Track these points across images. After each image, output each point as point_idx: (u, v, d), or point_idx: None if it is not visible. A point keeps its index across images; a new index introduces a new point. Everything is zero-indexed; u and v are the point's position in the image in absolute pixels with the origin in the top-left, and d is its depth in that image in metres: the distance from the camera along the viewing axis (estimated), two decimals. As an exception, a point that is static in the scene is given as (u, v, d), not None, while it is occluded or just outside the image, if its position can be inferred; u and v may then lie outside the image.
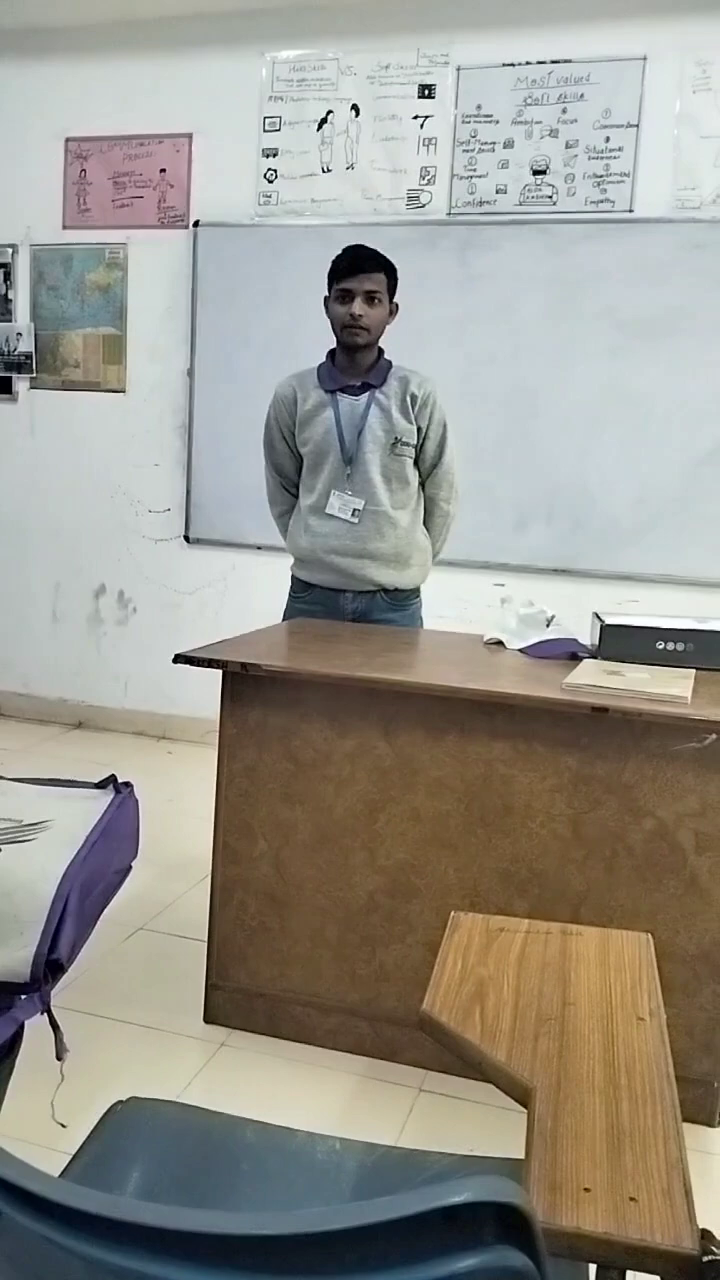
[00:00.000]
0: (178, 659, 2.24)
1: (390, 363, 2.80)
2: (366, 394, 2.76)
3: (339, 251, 2.71)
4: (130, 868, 1.26)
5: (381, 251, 2.71)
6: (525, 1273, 0.56)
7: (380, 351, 2.79)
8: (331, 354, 2.81)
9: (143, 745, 4.48)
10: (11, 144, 4.45)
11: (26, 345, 4.53)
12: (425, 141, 3.99)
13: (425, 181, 4.01)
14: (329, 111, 4.08)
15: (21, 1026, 1.07)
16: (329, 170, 4.10)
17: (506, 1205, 0.55)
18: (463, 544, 4.00)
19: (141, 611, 4.59)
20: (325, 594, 2.87)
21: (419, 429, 2.77)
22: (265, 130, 4.16)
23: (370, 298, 2.65)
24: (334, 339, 2.76)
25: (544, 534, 3.99)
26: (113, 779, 1.29)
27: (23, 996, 1.00)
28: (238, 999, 2.29)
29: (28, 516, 4.68)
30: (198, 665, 2.23)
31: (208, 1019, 2.32)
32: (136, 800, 1.27)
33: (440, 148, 3.98)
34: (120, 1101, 1.06)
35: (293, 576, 2.97)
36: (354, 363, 2.75)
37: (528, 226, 3.89)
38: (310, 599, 2.91)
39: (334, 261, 2.69)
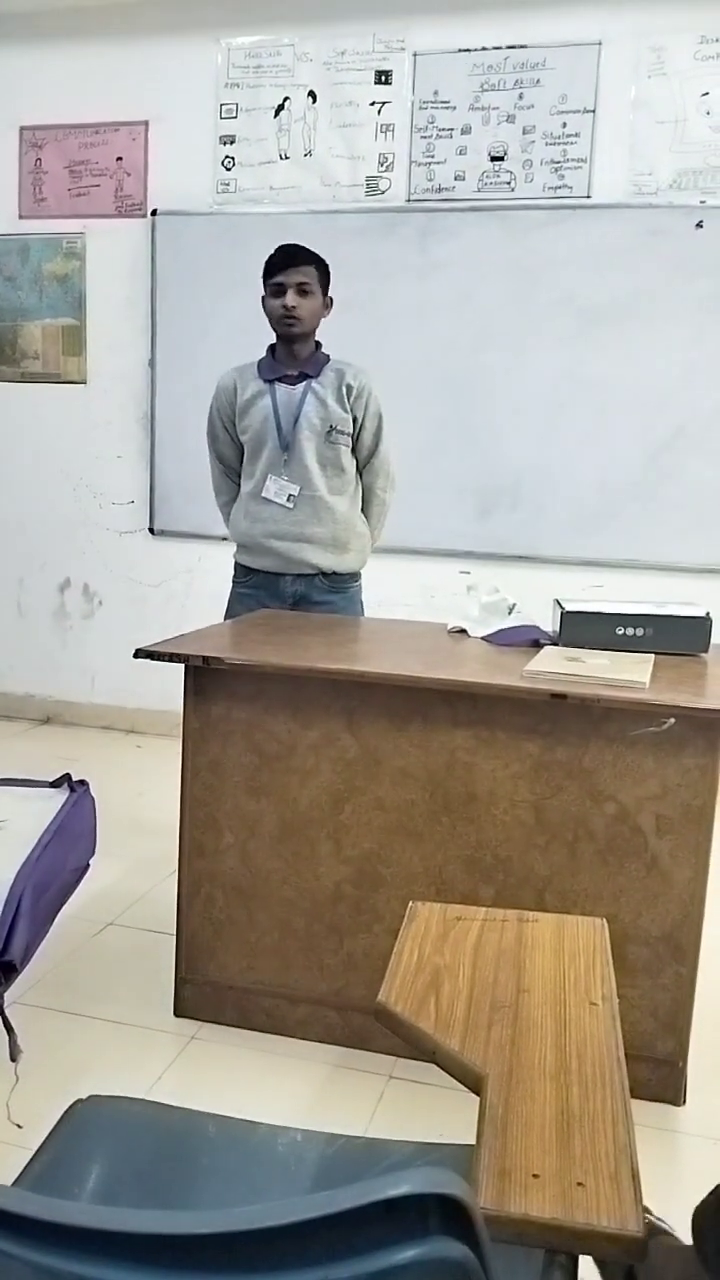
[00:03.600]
0: (139, 654, 2.23)
1: (327, 355, 2.93)
2: (303, 383, 2.87)
3: (274, 249, 2.82)
4: (88, 866, 1.26)
5: (313, 247, 2.83)
6: (465, 1263, 0.57)
7: (318, 344, 2.91)
8: (272, 348, 2.93)
9: (111, 739, 4.46)
10: (-36, 133, 4.39)
11: (-16, 337, 4.48)
12: (383, 128, 3.98)
13: (384, 168, 4.00)
14: (286, 98, 4.05)
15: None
16: (287, 157, 4.08)
17: (446, 1196, 0.56)
18: (427, 532, 4.02)
19: (107, 605, 4.57)
20: (266, 578, 2.98)
21: (355, 419, 2.89)
22: (222, 117, 4.12)
23: (302, 290, 2.78)
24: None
25: (508, 521, 4.01)
26: (67, 777, 1.28)
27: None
28: (207, 992, 2.30)
29: (-10, 511, 4.64)
30: (160, 660, 2.22)
31: (178, 1012, 2.32)
32: (93, 798, 1.26)
33: (398, 134, 3.96)
34: (80, 1100, 1.06)
35: (235, 563, 3.08)
36: (292, 354, 2.88)
37: (486, 213, 3.89)
38: (252, 584, 3.02)
39: (267, 259, 2.81)
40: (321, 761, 2.15)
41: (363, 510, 3.02)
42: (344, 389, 2.85)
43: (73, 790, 1.24)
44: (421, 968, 1.00)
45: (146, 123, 4.20)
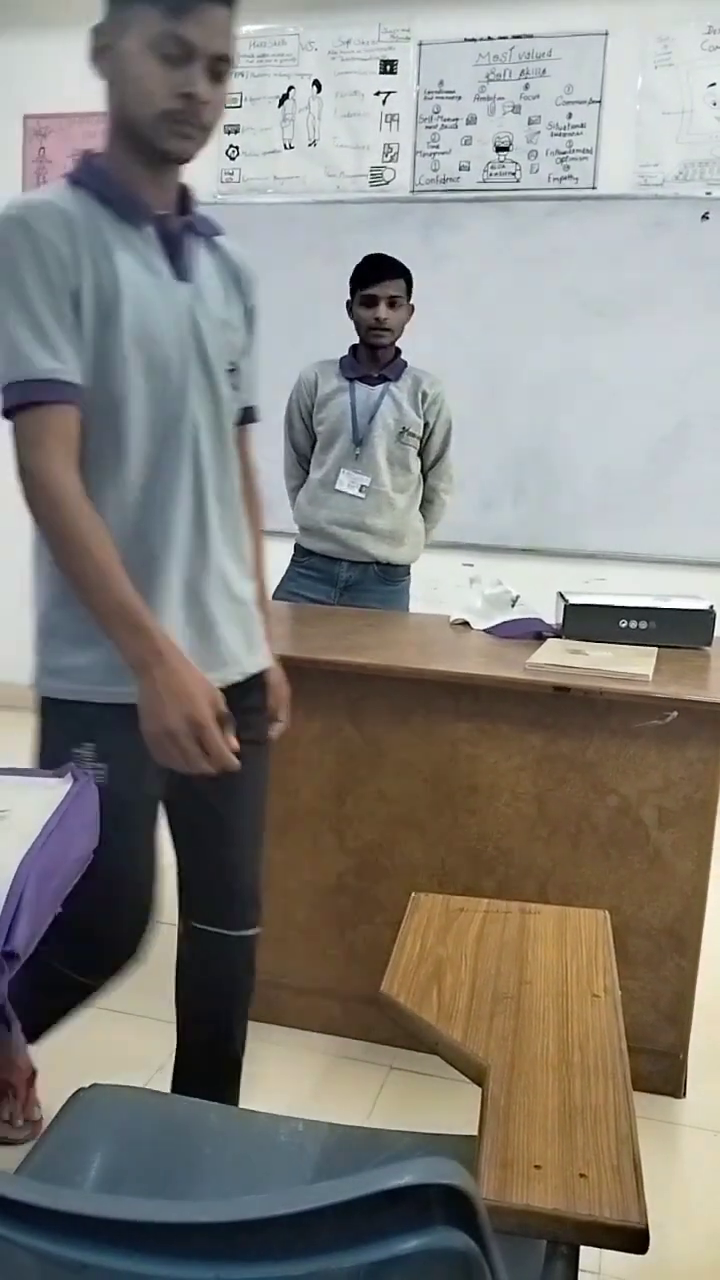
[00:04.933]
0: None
1: (405, 362, 3.06)
2: (382, 385, 3.01)
3: (363, 260, 2.93)
4: (91, 856, 1.26)
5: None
6: (468, 1253, 0.57)
7: (398, 351, 3.05)
8: (354, 348, 3.06)
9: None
10: (-32, 122, 4.38)
11: (-12, 327, 4.47)
12: (388, 118, 3.96)
13: (388, 158, 3.98)
14: (290, 87, 4.03)
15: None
16: (291, 147, 4.06)
17: (450, 1187, 0.56)
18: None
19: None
20: (323, 561, 3.12)
21: (426, 424, 3.05)
22: (226, 106, 4.09)
23: (392, 302, 2.90)
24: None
25: (511, 513, 4.00)
26: (70, 767, 1.28)
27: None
28: (209, 982, 2.30)
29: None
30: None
31: (180, 1002, 2.32)
32: (96, 788, 1.26)
33: (403, 124, 3.95)
34: (82, 1088, 1.07)
35: (295, 544, 3.21)
36: (374, 358, 3.02)
37: (491, 204, 3.88)
38: (308, 565, 3.16)
39: (356, 269, 2.94)
40: (324, 753, 2.15)
41: (423, 509, 3.19)
42: (420, 395, 3.02)
43: (76, 780, 1.24)
44: (424, 959, 1.00)
45: (150, 112, 4.17)
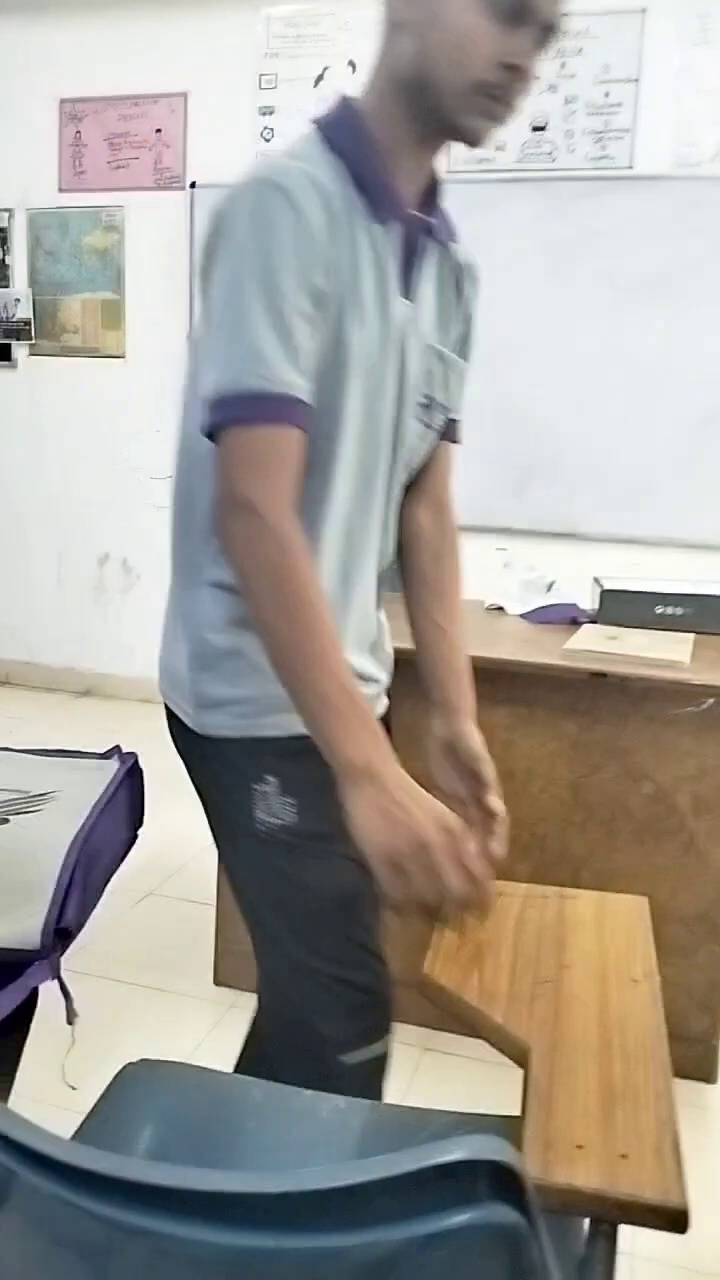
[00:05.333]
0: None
1: None
2: None
3: None
4: (136, 837, 1.29)
5: None
6: (516, 1228, 0.59)
7: None
8: None
9: (150, 712, 4.46)
10: (6, 106, 4.40)
11: (25, 311, 4.51)
12: (423, 98, 3.93)
13: (424, 140, 3.95)
14: (326, 68, 4.01)
15: (35, 993, 1.10)
16: (326, 129, 4.04)
17: (498, 1163, 0.58)
18: (463, 507, 4.01)
19: (146, 579, 4.60)
20: None
21: None
22: (261, 88, 4.10)
23: None
24: None
25: (545, 497, 3.99)
26: (117, 749, 1.31)
27: (34, 964, 1.03)
28: (247, 962, 2.33)
29: (29, 485, 4.68)
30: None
31: (217, 981, 2.36)
32: (141, 770, 1.29)
33: (438, 105, 3.91)
34: (130, 1063, 1.09)
35: None
36: None
37: (527, 184, 3.85)
38: None
39: None
40: (360, 737, 2.17)
41: None
42: None
43: (123, 762, 1.27)
44: (464, 942, 1.02)
45: (185, 94, 4.18)
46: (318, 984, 1.15)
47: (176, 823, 3.24)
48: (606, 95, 3.74)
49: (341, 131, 1.12)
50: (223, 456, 1.02)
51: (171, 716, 1.24)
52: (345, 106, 1.14)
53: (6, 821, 1.13)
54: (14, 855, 1.09)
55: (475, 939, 1.03)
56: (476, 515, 4.07)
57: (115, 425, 4.52)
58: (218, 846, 1.26)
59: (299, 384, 1.03)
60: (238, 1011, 2.28)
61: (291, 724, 1.09)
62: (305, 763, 1.09)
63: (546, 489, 3.98)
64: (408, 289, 1.18)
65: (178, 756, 1.27)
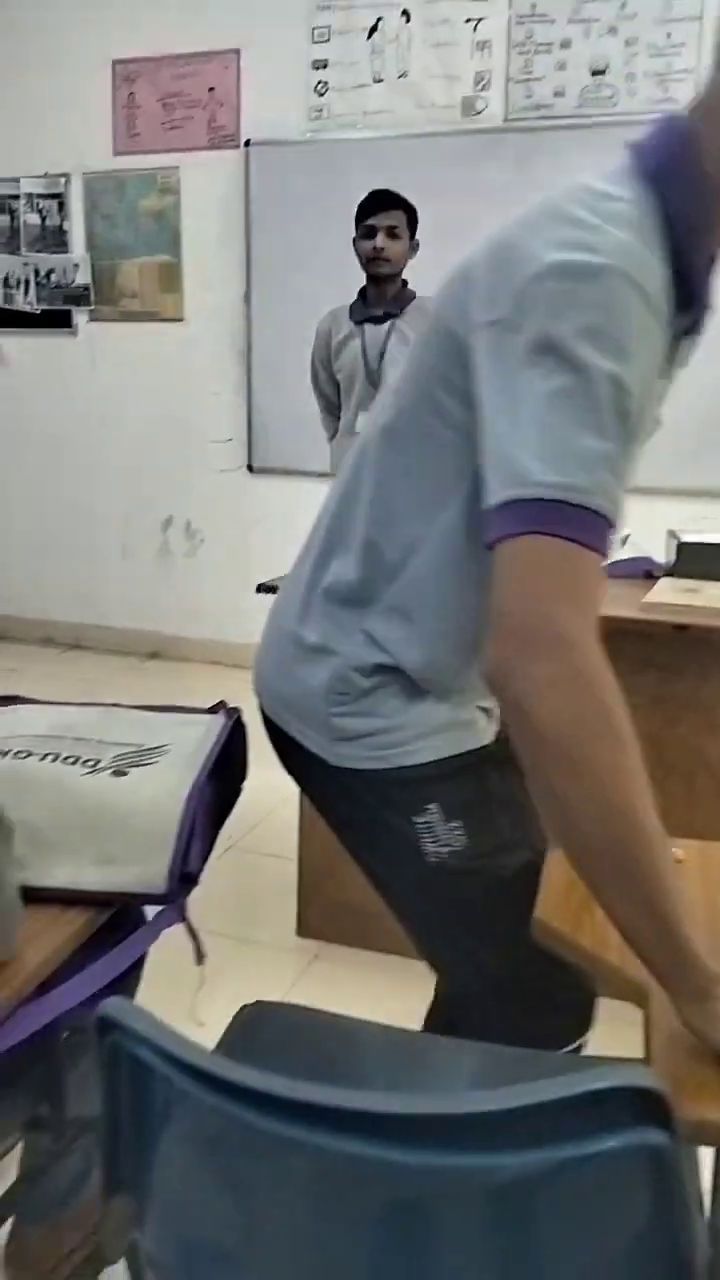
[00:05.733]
0: (261, 589, 2.29)
1: (414, 293, 3.10)
2: (388, 322, 3.09)
3: (383, 179, 3.07)
4: (241, 789, 1.33)
5: (407, 171, 3.15)
6: (664, 1150, 0.62)
7: (404, 283, 3.10)
8: (363, 291, 3.14)
9: (216, 673, 4.58)
10: (60, 70, 4.40)
11: (84, 277, 4.54)
12: (479, 45, 3.86)
13: (480, 87, 3.89)
14: (379, 19, 3.95)
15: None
16: (381, 80, 4.00)
17: (647, 1089, 0.61)
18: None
19: (209, 542, 4.65)
20: None
21: None
22: (314, 41, 4.05)
23: (391, 233, 2.99)
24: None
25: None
26: (222, 704, 1.35)
27: (160, 908, 1.09)
28: (329, 913, 2.39)
29: (93, 451, 4.74)
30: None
31: (300, 933, 2.43)
32: (244, 725, 1.33)
33: (495, 51, 3.85)
34: (248, 1004, 1.14)
35: None
36: (380, 295, 3.09)
37: (587, 130, 3.77)
38: None
39: (359, 204, 3.02)
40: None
41: None
42: None
43: (229, 716, 1.31)
44: (572, 888, 1.04)
45: (238, 51, 4.14)
46: (531, 990, 1.13)
47: (254, 777, 3.30)
48: (669, 36, 3.64)
49: (675, 186, 0.92)
50: (530, 570, 0.85)
51: (290, 743, 1.18)
52: (679, 140, 0.94)
53: (125, 774, 1.17)
54: (136, 805, 1.13)
55: (582, 885, 1.06)
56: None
57: (175, 389, 4.55)
58: (376, 881, 1.21)
59: (618, 510, 0.89)
60: (320, 963, 2.35)
61: (440, 746, 1.09)
62: (461, 782, 1.10)
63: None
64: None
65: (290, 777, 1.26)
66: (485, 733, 1.16)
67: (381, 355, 3.08)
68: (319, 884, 2.39)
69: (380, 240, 2.98)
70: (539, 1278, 0.66)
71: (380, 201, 2.99)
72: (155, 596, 4.79)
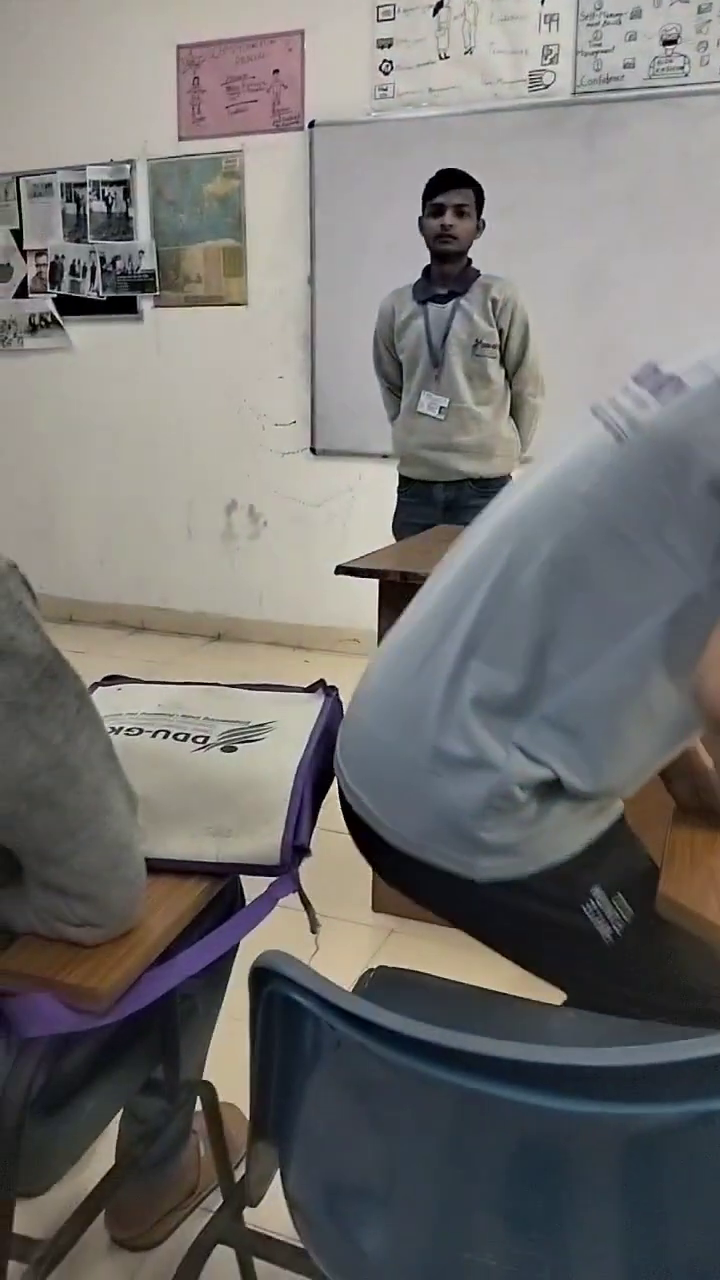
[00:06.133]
0: (339, 570, 2.31)
1: (478, 272, 3.11)
2: (452, 302, 3.08)
3: (448, 157, 3.08)
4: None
5: (473, 148, 3.18)
6: None
7: (469, 261, 3.09)
8: (427, 270, 3.14)
9: (279, 655, 4.62)
10: (125, 58, 4.42)
11: (149, 264, 4.57)
12: (547, 19, 3.81)
13: (548, 61, 3.84)
14: (444, -6, 3.92)
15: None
16: (446, 57, 3.96)
17: None
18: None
19: (272, 525, 4.68)
20: (420, 487, 3.26)
21: (500, 330, 3.07)
22: (379, 20, 4.02)
23: (459, 211, 2.98)
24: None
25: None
26: (322, 683, 1.36)
27: (277, 878, 1.11)
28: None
29: (159, 436, 4.78)
30: (358, 576, 2.30)
31: (376, 908, 2.45)
32: (341, 704, 1.34)
33: (563, 24, 3.79)
34: (371, 969, 1.16)
35: (399, 475, 3.36)
36: (444, 274, 3.08)
37: (658, 101, 3.71)
38: (410, 493, 3.31)
39: (427, 183, 3.01)
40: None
41: (513, 415, 3.23)
42: (489, 303, 3.04)
43: (328, 695, 1.33)
44: (695, 866, 1.05)
45: (302, 32, 4.13)
46: (705, 1012, 1.10)
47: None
48: (744, 0, 3.56)
49: None
50: None
51: (414, 864, 1.14)
52: None
53: (234, 749, 1.19)
54: (248, 779, 1.16)
55: (706, 864, 1.06)
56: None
57: (238, 373, 4.57)
58: (553, 977, 1.17)
59: None
60: (398, 936, 2.36)
61: (589, 830, 1.06)
62: (614, 854, 1.07)
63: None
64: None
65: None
66: (620, 801, 1.13)
67: (445, 335, 3.07)
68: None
69: (449, 218, 2.97)
70: (665, 1225, 0.69)
71: (449, 180, 2.98)
72: (219, 579, 4.84)
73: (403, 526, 3.26)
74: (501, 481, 3.20)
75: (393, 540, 3.22)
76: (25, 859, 0.96)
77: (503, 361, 3.11)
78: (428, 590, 1.16)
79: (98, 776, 0.94)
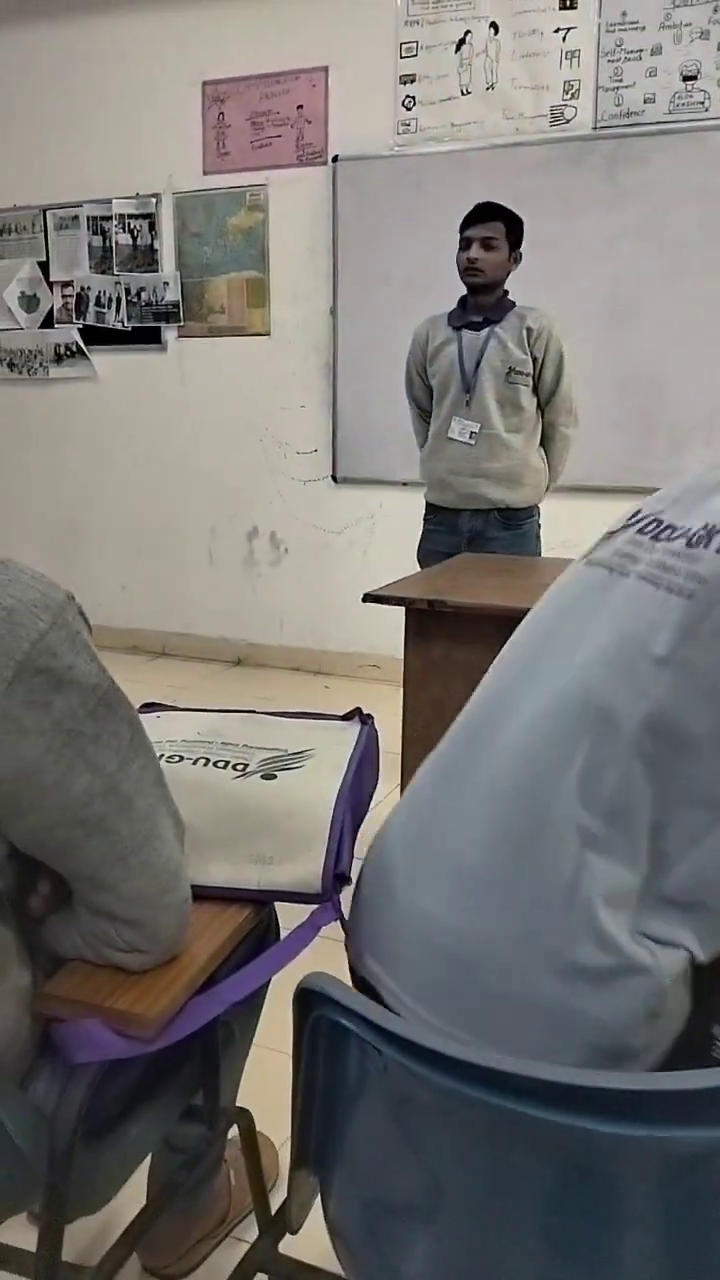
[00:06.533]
0: (367, 598, 2.33)
1: (513, 303, 3.13)
2: (487, 329, 3.09)
3: (470, 191, 3.14)
4: (373, 795, 1.36)
5: (495, 182, 3.19)
6: None
7: (505, 293, 3.12)
8: (463, 299, 3.16)
9: (300, 680, 4.63)
10: (151, 92, 4.50)
11: (173, 294, 4.63)
12: (568, 55, 3.87)
13: (569, 96, 3.90)
14: (467, 32, 3.99)
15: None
16: (468, 92, 4.03)
17: None
18: (613, 468, 3.96)
19: (293, 552, 4.71)
20: (447, 514, 3.25)
21: (534, 359, 3.08)
22: (402, 56, 4.09)
23: (486, 244, 3.00)
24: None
25: (702, 458, 3.91)
26: (358, 711, 1.38)
27: (316, 906, 1.12)
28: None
29: (183, 464, 4.83)
30: (386, 604, 2.31)
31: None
32: (377, 732, 1.36)
33: (584, 60, 3.85)
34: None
35: (425, 501, 3.35)
36: (478, 303, 3.11)
37: (678, 136, 3.76)
38: (436, 520, 3.30)
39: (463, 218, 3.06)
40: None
41: (544, 445, 3.22)
42: (525, 332, 3.06)
43: (364, 723, 1.34)
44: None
45: (326, 68, 4.21)
46: None
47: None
48: (763, 37, 3.62)
49: None
50: None
51: None
52: None
53: (274, 777, 1.20)
54: (288, 807, 1.17)
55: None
56: (628, 476, 4.04)
57: (261, 402, 4.62)
58: None
59: None
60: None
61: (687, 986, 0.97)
62: (715, 985, 0.97)
63: (702, 449, 3.91)
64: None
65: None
66: None
67: (479, 361, 3.08)
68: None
69: (474, 251, 3.00)
70: (708, 1248, 0.69)
71: (479, 213, 3.02)
72: (240, 605, 4.86)
73: (428, 555, 3.27)
74: (527, 513, 3.21)
75: (416, 567, 3.23)
76: (76, 884, 0.97)
77: (535, 391, 3.12)
78: (462, 772, 1.10)
79: (149, 803, 0.96)
